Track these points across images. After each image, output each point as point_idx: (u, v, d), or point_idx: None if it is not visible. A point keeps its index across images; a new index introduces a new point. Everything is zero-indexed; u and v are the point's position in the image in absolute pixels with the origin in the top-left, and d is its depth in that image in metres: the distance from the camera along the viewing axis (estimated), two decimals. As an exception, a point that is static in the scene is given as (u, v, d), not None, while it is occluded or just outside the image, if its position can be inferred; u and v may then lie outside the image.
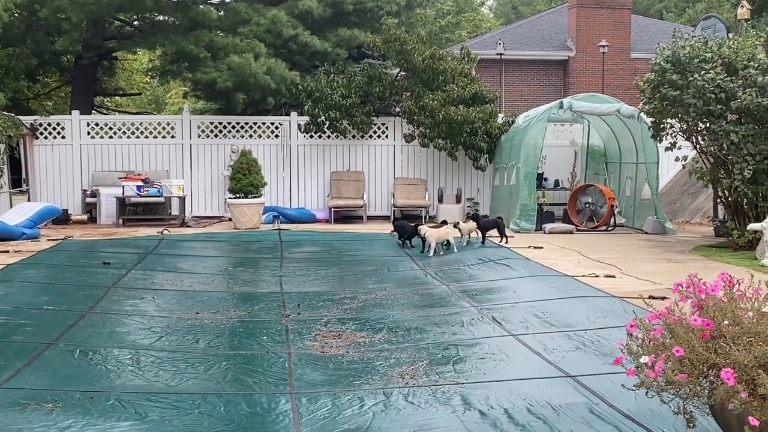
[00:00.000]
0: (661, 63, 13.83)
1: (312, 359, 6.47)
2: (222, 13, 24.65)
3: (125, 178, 18.85)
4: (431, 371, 6.02)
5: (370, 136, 20.94)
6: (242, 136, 20.65)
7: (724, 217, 15.64)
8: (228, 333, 7.53)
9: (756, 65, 13.19)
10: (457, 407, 5.10)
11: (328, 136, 20.66)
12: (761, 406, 3.65)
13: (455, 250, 13.54)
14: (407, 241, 14.35)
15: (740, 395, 3.65)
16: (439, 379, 5.78)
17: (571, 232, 17.39)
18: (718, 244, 14.72)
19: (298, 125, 20.66)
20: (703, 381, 3.93)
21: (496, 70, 28.87)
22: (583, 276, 10.88)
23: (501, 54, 28.22)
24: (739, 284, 4.28)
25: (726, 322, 3.99)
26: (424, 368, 6.11)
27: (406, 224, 14.71)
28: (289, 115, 21.38)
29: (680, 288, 4.31)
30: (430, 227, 14.00)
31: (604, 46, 27.98)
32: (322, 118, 20.03)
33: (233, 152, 19.81)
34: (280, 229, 17.45)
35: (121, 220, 18.35)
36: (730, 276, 4.30)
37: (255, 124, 20.87)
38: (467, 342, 7.11)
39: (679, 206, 20.82)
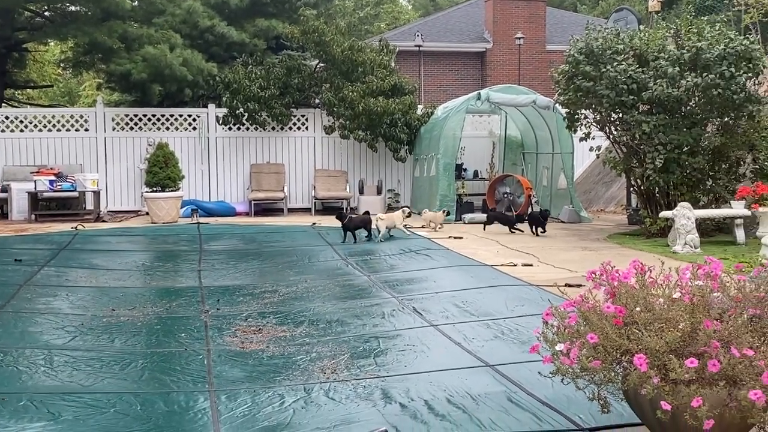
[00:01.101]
0: (575, 55, 14.07)
1: (231, 355, 6.39)
2: (136, 3, 24.11)
3: (37, 172, 18.32)
4: (352, 365, 6.01)
5: (290, 128, 20.81)
6: (159, 129, 20.27)
7: (637, 206, 16.01)
8: (145, 330, 7.38)
9: (666, 56, 13.52)
10: (377, 401, 5.10)
11: (247, 128, 20.46)
12: (673, 390, 3.72)
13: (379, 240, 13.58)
14: (352, 234, 13.87)
15: (652, 380, 3.73)
16: (360, 373, 5.77)
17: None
18: (631, 232, 15.07)
19: (217, 117, 20.41)
20: (617, 367, 4.00)
21: (415, 62, 28.97)
22: (501, 265, 11.01)
23: (419, 46, 28.33)
24: (651, 271, 4.37)
25: (638, 308, 4.07)
26: (345, 362, 6.09)
27: (353, 216, 14.47)
28: (207, 107, 21.07)
29: (594, 276, 4.38)
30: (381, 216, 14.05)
31: (520, 38, 28.32)
32: (241, 110, 19.84)
33: (150, 145, 19.46)
34: (198, 222, 17.21)
35: (33, 216, 17.84)
36: (642, 263, 4.39)
37: (172, 116, 20.52)
38: (388, 334, 7.12)
39: (594, 195, 21.25)
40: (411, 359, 6.23)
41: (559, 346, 4.07)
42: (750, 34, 18.26)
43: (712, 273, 4.21)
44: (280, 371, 5.88)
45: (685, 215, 11.91)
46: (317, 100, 20.93)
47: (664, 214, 13.05)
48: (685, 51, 13.41)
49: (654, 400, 3.76)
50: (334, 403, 5.09)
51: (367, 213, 14.85)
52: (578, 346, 3.98)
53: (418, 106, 20.92)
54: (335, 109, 19.73)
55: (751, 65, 13.35)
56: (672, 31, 14.16)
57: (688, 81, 13.02)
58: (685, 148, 13.66)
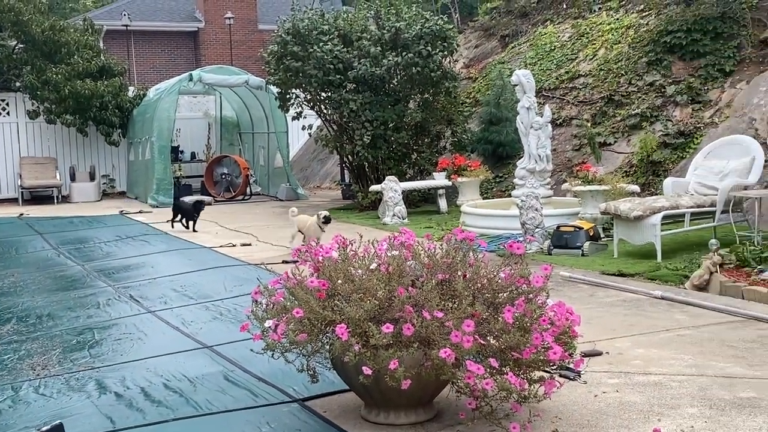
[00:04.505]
0: (283, 35, 14.35)
1: (-71, 361, 5.96)
2: None
3: None
4: (65, 359, 5.83)
5: (-11, 114, 19.46)
6: None
7: (349, 181, 16.65)
8: None
9: (369, 37, 14.13)
10: (92, 392, 5.00)
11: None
12: (374, 355, 3.98)
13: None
14: (190, 222, 13.01)
15: (354, 348, 3.96)
16: (73, 366, 5.62)
17: (209, 204, 17.51)
18: (345, 206, 15.66)
19: None
20: (323, 338, 4.22)
21: (124, 42, 28.02)
22: (221, 246, 11.07)
23: (127, 25, 27.41)
24: (352, 244, 4.63)
25: (340, 281, 4.30)
26: (57, 357, 5.90)
27: (184, 203, 13.51)
28: None
29: (299, 252, 4.57)
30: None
31: (230, 18, 28.24)
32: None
33: None
34: None
35: None
36: (344, 237, 4.64)
37: None
38: (103, 324, 6.96)
39: (310, 172, 21.80)
40: (127, 348, 6.14)
41: (268, 323, 4.22)
42: (448, 13, 19.50)
43: (406, 243, 4.54)
44: (-16, 374, 5.58)
45: (392, 188, 12.57)
46: (18, 84, 19.69)
47: (374, 187, 13.70)
48: (385, 31, 14.08)
49: (357, 366, 4.00)
50: (45, 399, 4.93)
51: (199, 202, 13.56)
52: (285, 322, 4.15)
53: (130, 88, 20.33)
54: (39, 92, 18.69)
55: (446, 44, 14.28)
56: (373, 12, 14.79)
57: (389, 60, 13.70)
58: (391, 124, 14.39)
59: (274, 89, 15.88)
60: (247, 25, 30.13)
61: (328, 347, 4.22)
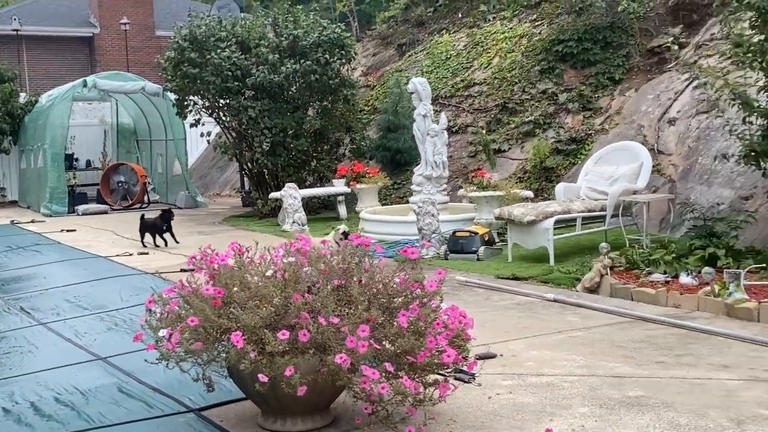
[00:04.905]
0: (180, 41, 14.19)
1: None
2: None
3: None
4: (-50, 375, 5.64)
5: None
6: None
7: (249, 188, 16.54)
8: None
9: (266, 44, 14.10)
10: (-22, 408, 4.86)
11: None
12: (270, 362, 3.97)
13: None
14: (165, 236, 11.71)
15: (250, 355, 3.95)
16: (-41, 382, 5.44)
17: (105, 213, 17.18)
18: (245, 214, 15.56)
19: None
20: (219, 346, 4.19)
21: (15, 48, 27.16)
22: (117, 255, 10.87)
23: (18, 30, 26.58)
24: (248, 251, 4.62)
25: (236, 288, 4.29)
26: (-58, 373, 5.70)
27: (148, 219, 11.96)
28: None
29: (195, 260, 4.54)
30: None
31: (126, 24, 27.70)
32: None
33: None
34: None
35: None
36: (240, 245, 4.63)
37: None
38: (-8, 338, 6.75)
39: (210, 180, 21.58)
40: (17, 361, 5.98)
41: (162, 332, 4.18)
42: (347, 21, 19.58)
43: (302, 249, 4.55)
44: None
45: (291, 195, 12.54)
46: None
47: (273, 195, 13.65)
48: (283, 39, 14.08)
49: (253, 374, 3.99)
50: (-72, 418, 4.76)
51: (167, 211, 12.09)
52: (180, 331, 4.12)
53: (21, 94, 19.76)
54: None
55: (344, 52, 14.36)
56: (271, 19, 14.76)
57: (287, 67, 13.70)
58: (290, 132, 14.38)
59: (172, 96, 15.67)
60: (144, 31, 29.60)
61: (224, 355, 4.19)
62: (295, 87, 14.46)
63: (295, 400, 3.99)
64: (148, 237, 11.80)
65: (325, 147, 15.29)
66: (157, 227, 11.76)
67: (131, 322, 6.94)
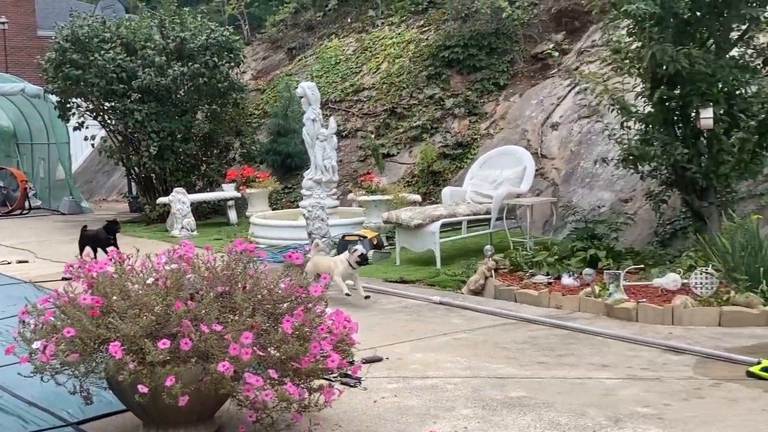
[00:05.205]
0: (61, 42, 13.80)
1: None
2: None
3: None
4: None
5: None
6: None
7: (137, 193, 16.18)
8: None
9: (153, 46, 13.84)
10: None
11: None
12: (150, 373, 3.88)
13: None
14: (104, 252, 10.03)
15: (129, 366, 3.85)
16: None
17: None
18: (133, 219, 15.21)
19: None
20: (97, 357, 4.07)
21: None
22: (-6, 264, 10.48)
23: None
24: (129, 259, 4.51)
25: (115, 297, 4.18)
26: None
27: (90, 231, 10.67)
28: None
29: (72, 269, 4.41)
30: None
31: (4, 23, 26.74)
32: None
33: None
34: None
35: None
36: (120, 252, 4.52)
37: None
38: None
39: (96, 185, 21.02)
40: None
41: (36, 344, 4.04)
42: (237, 24, 19.39)
43: (185, 256, 4.48)
44: None
45: (180, 200, 12.36)
46: None
47: (161, 200, 13.41)
48: (170, 41, 13.84)
49: (133, 385, 3.89)
50: None
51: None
52: (55, 342, 3.98)
53: None
54: None
55: (233, 55, 14.23)
56: (157, 21, 14.50)
57: (175, 70, 13.48)
58: (179, 135, 14.15)
59: (53, 98, 15.20)
60: (24, 31, 28.57)
61: (102, 366, 4.08)
62: (183, 90, 14.24)
63: (177, 410, 3.92)
64: (88, 251, 10.36)
65: (215, 151, 15.10)
66: (101, 240, 10.43)
67: (6, 335, 6.66)
